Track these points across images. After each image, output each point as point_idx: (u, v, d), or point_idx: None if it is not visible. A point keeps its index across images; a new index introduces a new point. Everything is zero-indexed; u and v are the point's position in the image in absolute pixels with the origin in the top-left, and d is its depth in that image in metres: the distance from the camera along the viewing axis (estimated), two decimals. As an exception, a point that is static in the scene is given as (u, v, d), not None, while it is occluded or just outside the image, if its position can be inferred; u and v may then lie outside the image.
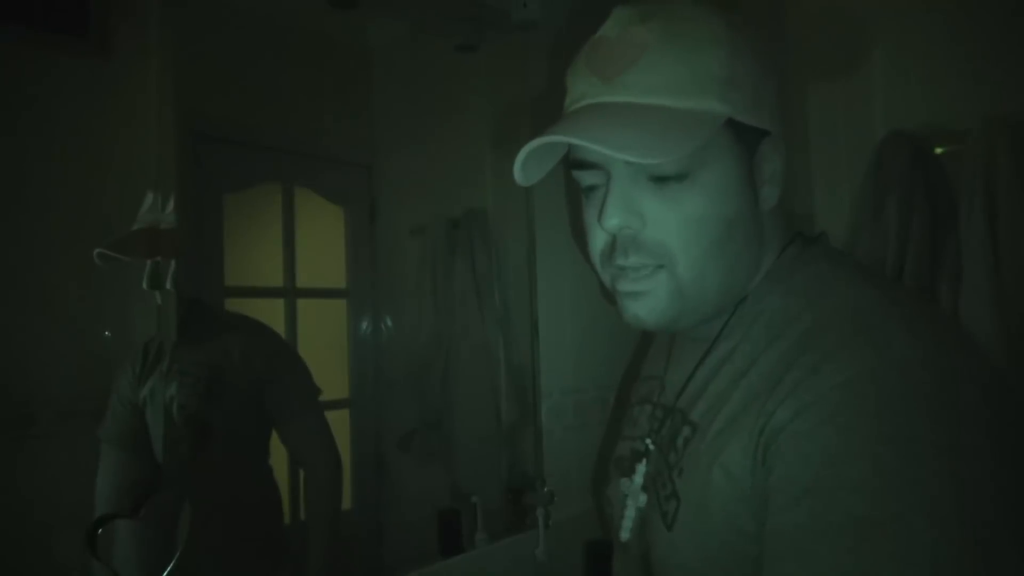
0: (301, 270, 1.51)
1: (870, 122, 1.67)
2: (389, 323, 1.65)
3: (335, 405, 1.51)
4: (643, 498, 0.74)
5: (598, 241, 0.70)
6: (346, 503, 1.48)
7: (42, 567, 0.96)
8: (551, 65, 1.47)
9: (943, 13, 1.59)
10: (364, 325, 1.62)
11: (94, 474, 1.05)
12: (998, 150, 1.46)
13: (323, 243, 1.61)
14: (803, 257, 0.71)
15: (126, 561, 1.01)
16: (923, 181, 1.54)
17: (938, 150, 1.57)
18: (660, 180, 0.64)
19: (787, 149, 0.70)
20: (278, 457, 1.38)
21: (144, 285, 1.08)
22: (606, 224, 0.66)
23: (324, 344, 1.58)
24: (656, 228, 0.65)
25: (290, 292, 1.50)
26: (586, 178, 0.70)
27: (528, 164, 0.69)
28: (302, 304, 1.50)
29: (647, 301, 0.68)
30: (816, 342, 0.60)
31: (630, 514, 0.75)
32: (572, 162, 0.70)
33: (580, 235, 0.75)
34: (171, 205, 1.08)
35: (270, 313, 1.44)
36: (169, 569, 0.97)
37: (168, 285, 1.09)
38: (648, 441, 0.76)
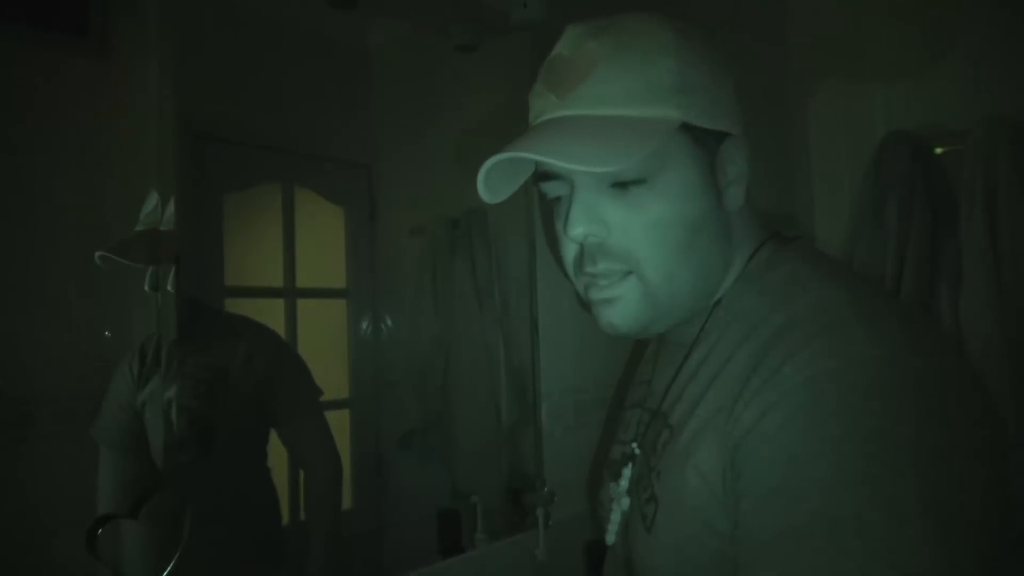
0: (301, 270, 1.51)
1: (870, 122, 1.67)
2: (389, 323, 1.65)
3: (335, 405, 1.51)
4: (627, 501, 0.75)
5: (569, 251, 0.71)
6: (346, 503, 1.48)
7: (42, 567, 0.96)
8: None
9: (943, 13, 1.59)
10: (364, 325, 1.62)
11: (94, 474, 1.05)
12: (998, 150, 1.46)
13: (323, 243, 1.61)
14: (776, 258, 0.71)
15: (126, 561, 1.01)
16: (923, 181, 1.54)
17: (938, 150, 1.57)
18: (621, 186, 0.65)
19: (750, 149, 0.70)
20: (278, 458, 1.38)
21: (146, 287, 1.08)
22: (571, 233, 0.67)
23: (324, 344, 1.58)
24: (621, 235, 0.66)
25: (290, 292, 1.50)
26: (552, 189, 0.71)
27: (493, 182, 0.70)
28: (302, 304, 1.50)
29: (619, 307, 0.68)
30: (781, 342, 0.61)
31: (615, 517, 0.76)
32: (538, 175, 0.71)
33: (555, 247, 0.75)
34: (171, 206, 1.08)
35: (270, 313, 1.44)
36: (169, 569, 0.97)
37: (169, 287, 1.09)
38: (634, 445, 0.77)
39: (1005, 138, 1.45)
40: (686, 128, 0.65)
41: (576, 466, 1.53)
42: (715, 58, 0.68)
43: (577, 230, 0.66)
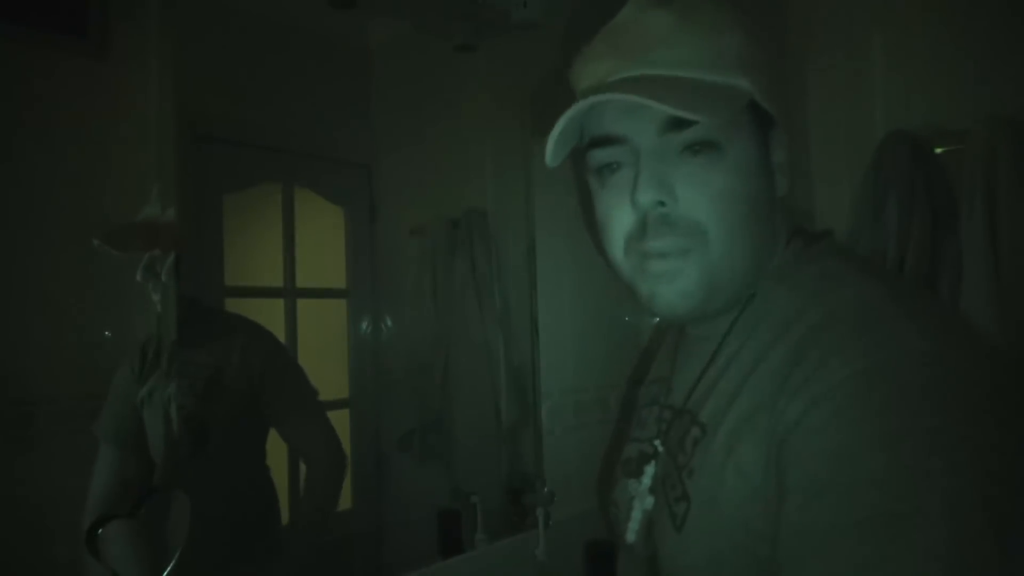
0: (301, 270, 1.51)
1: (870, 121, 1.67)
2: (389, 323, 1.65)
3: (335, 405, 1.51)
4: (650, 500, 0.74)
5: (623, 224, 0.69)
6: (346, 503, 1.48)
7: (42, 567, 0.96)
8: (551, 65, 1.47)
9: (943, 12, 1.59)
10: (364, 325, 1.62)
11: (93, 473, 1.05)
12: (998, 150, 1.46)
13: (323, 243, 1.61)
14: (808, 253, 0.72)
15: (126, 561, 1.01)
16: (923, 181, 1.54)
17: (938, 150, 1.56)
18: (692, 150, 0.65)
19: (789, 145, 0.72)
20: (278, 458, 1.38)
21: (139, 277, 1.07)
22: (641, 199, 0.65)
23: (324, 344, 1.58)
24: (687, 205, 0.66)
25: (290, 292, 1.50)
26: (606, 156, 0.69)
27: (556, 142, 0.69)
28: (302, 304, 1.50)
29: (678, 284, 0.67)
30: (823, 337, 0.60)
31: (636, 516, 0.75)
32: (594, 140, 0.69)
33: (593, 228, 0.73)
34: (171, 205, 1.08)
35: (270, 313, 1.44)
36: (169, 569, 0.97)
37: (164, 278, 1.08)
38: (657, 443, 0.76)
39: (1005, 138, 1.45)
40: (750, 106, 0.67)
41: (576, 466, 1.53)
42: (772, 45, 0.71)
43: (648, 195, 0.65)
